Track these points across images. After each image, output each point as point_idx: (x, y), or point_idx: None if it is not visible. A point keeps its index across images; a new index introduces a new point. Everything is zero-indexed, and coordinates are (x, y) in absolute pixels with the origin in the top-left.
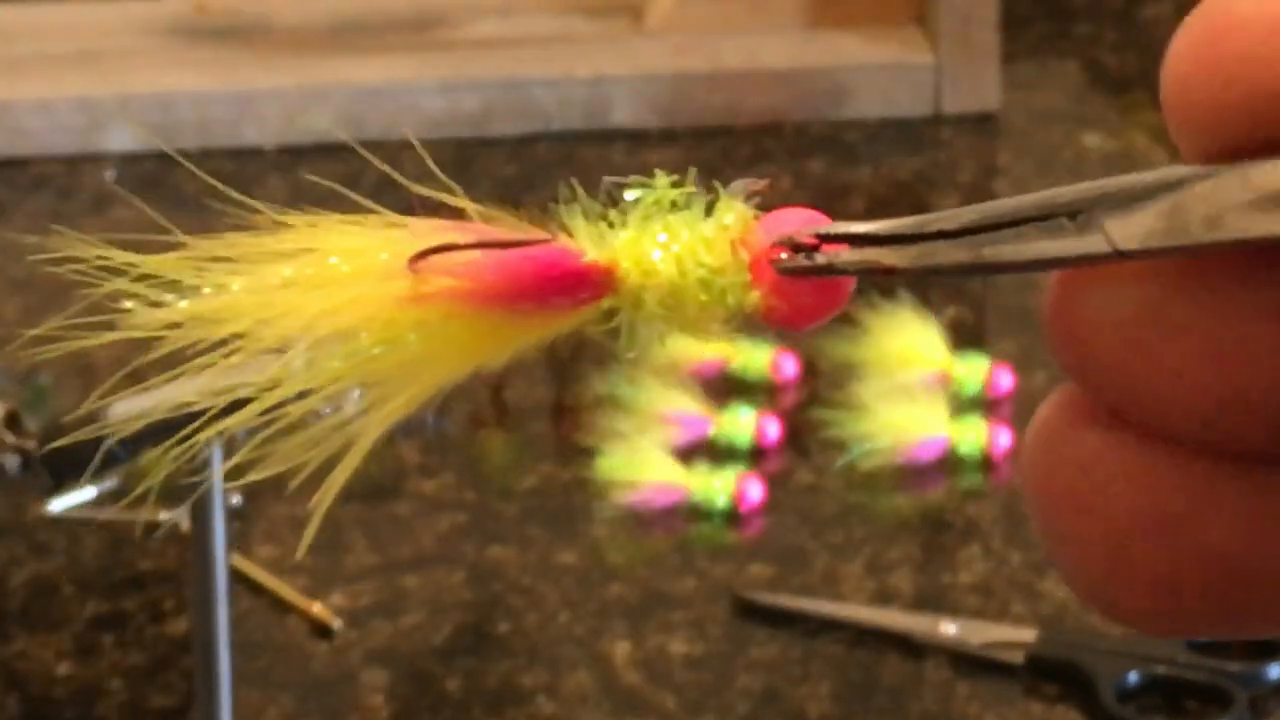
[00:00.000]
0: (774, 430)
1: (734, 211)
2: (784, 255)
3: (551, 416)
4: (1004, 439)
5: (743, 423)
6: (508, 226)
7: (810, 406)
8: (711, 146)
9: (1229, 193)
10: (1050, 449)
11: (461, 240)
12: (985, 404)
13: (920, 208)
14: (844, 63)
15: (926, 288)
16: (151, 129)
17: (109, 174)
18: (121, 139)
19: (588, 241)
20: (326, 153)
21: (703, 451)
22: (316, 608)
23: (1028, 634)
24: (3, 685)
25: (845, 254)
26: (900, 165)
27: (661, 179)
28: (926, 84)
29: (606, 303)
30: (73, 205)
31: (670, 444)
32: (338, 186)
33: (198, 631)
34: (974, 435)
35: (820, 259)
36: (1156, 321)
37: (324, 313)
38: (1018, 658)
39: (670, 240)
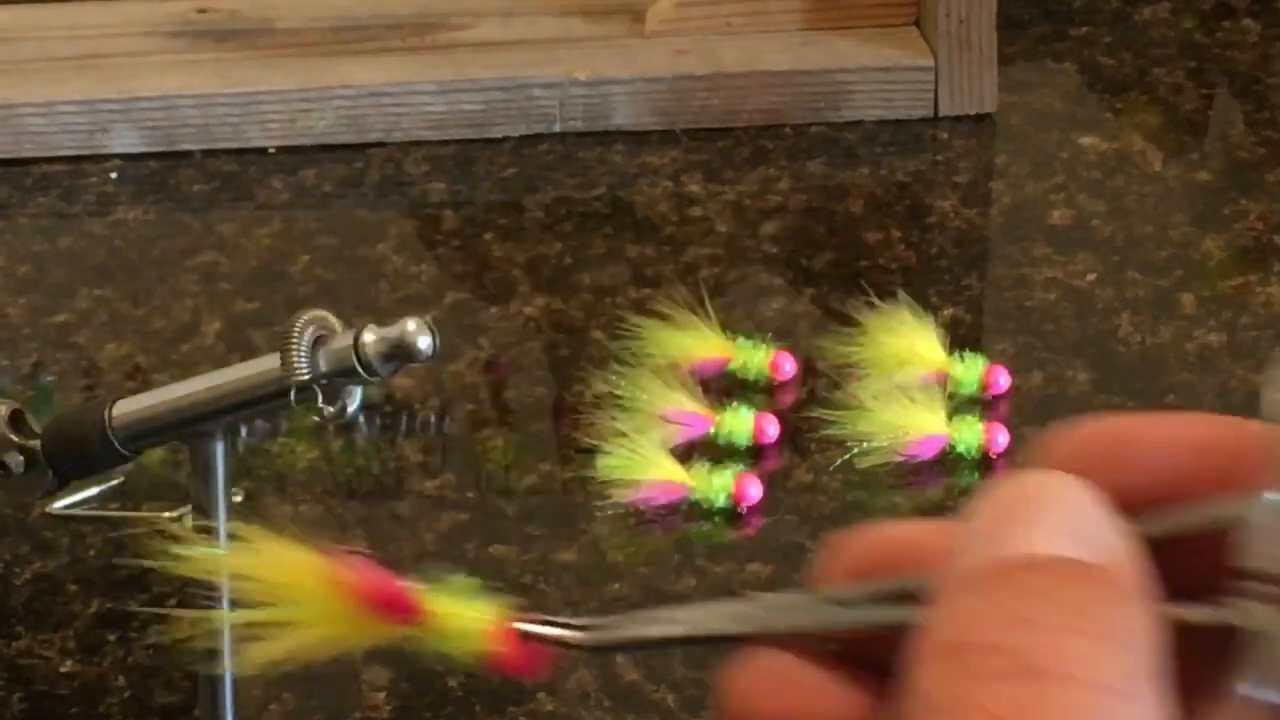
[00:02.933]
0: (773, 429)
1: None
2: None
3: (551, 416)
4: (1001, 438)
5: (742, 422)
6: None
7: (809, 406)
8: (711, 148)
9: None
10: None
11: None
12: (982, 403)
13: (919, 208)
14: (842, 65)
15: (926, 287)
16: (154, 130)
17: (113, 175)
18: (125, 140)
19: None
20: (329, 153)
21: (702, 450)
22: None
23: None
24: (7, 683)
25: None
26: (898, 166)
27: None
28: (925, 86)
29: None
30: (76, 206)
31: (670, 443)
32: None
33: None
34: (971, 434)
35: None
36: None
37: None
38: None
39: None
